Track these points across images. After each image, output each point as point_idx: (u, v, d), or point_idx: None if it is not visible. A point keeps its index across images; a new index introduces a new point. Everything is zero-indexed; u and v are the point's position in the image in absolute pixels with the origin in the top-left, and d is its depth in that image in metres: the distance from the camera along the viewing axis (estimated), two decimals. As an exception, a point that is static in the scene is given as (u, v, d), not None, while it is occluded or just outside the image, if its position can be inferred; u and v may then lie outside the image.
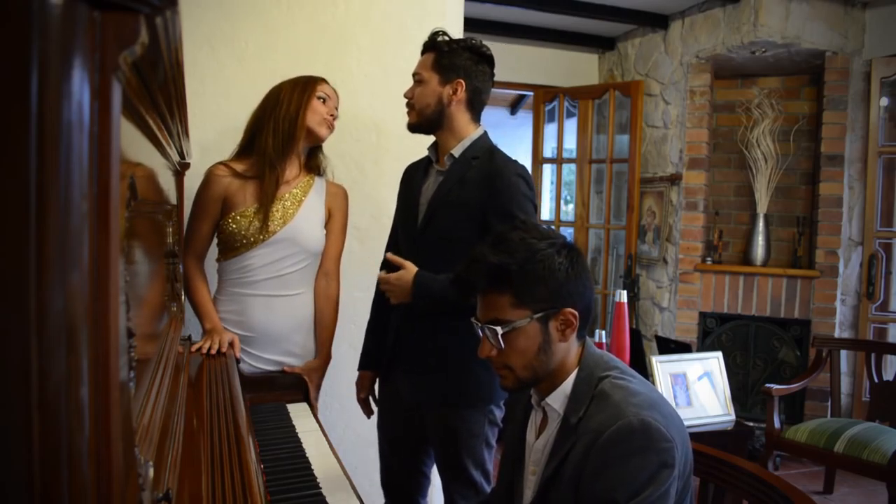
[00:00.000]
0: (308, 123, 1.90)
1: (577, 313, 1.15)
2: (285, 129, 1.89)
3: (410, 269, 1.69)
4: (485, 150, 1.75)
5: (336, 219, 2.02)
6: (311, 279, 1.98)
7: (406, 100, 1.80)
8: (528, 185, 1.69)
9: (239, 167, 1.89)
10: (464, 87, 1.75)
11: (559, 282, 1.14)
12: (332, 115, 1.96)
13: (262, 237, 1.86)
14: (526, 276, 1.13)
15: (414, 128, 1.81)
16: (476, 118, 1.80)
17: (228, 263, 1.90)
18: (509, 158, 1.75)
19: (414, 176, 1.87)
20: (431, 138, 1.84)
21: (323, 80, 1.97)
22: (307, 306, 1.97)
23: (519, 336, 1.14)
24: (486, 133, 1.79)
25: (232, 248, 1.88)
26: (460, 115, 1.76)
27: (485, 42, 1.81)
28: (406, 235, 1.84)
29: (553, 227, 4.60)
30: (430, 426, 1.77)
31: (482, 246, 1.17)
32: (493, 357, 1.18)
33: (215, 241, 1.96)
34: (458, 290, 1.22)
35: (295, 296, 1.93)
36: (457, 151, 1.75)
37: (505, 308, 1.14)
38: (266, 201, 1.86)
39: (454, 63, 1.74)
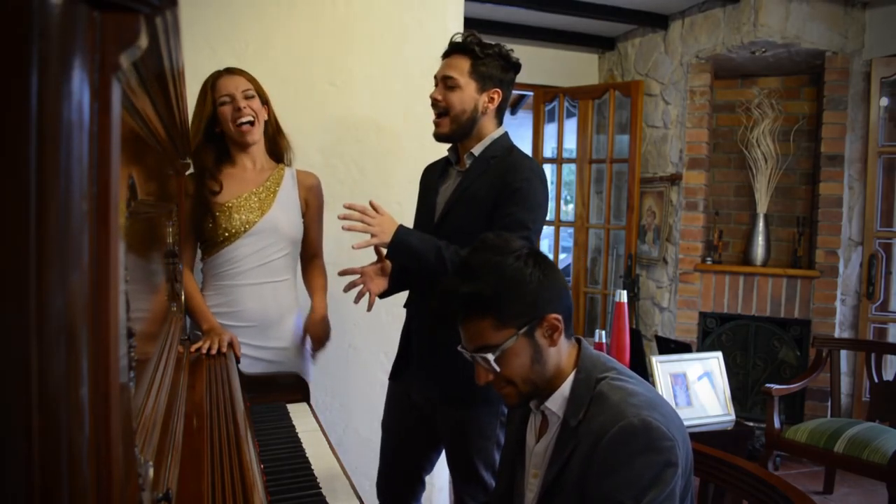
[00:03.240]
0: (235, 138, 1.92)
1: (559, 317, 1.15)
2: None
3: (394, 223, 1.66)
4: (504, 148, 1.74)
5: (313, 206, 2.05)
6: (294, 265, 2.03)
7: (433, 101, 1.73)
8: (541, 182, 1.70)
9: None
10: (500, 96, 1.73)
11: (534, 292, 1.13)
12: (241, 115, 1.88)
13: (243, 228, 1.89)
14: (501, 297, 1.12)
15: (445, 137, 1.75)
16: (500, 122, 1.80)
17: (213, 258, 1.93)
18: (525, 157, 1.74)
19: (431, 177, 1.86)
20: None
21: (218, 76, 1.92)
22: (292, 291, 2.02)
23: (510, 355, 1.14)
24: (506, 133, 1.79)
25: (215, 243, 1.92)
26: (489, 122, 1.75)
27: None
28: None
29: (553, 227, 4.61)
30: (442, 426, 1.77)
31: (450, 278, 1.17)
32: (492, 380, 1.18)
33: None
34: (437, 318, 1.21)
35: (281, 282, 1.97)
36: (477, 150, 1.74)
37: (489, 333, 1.14)
38: (211, 209, 1.89)
39: (491, 72, 1.71)
